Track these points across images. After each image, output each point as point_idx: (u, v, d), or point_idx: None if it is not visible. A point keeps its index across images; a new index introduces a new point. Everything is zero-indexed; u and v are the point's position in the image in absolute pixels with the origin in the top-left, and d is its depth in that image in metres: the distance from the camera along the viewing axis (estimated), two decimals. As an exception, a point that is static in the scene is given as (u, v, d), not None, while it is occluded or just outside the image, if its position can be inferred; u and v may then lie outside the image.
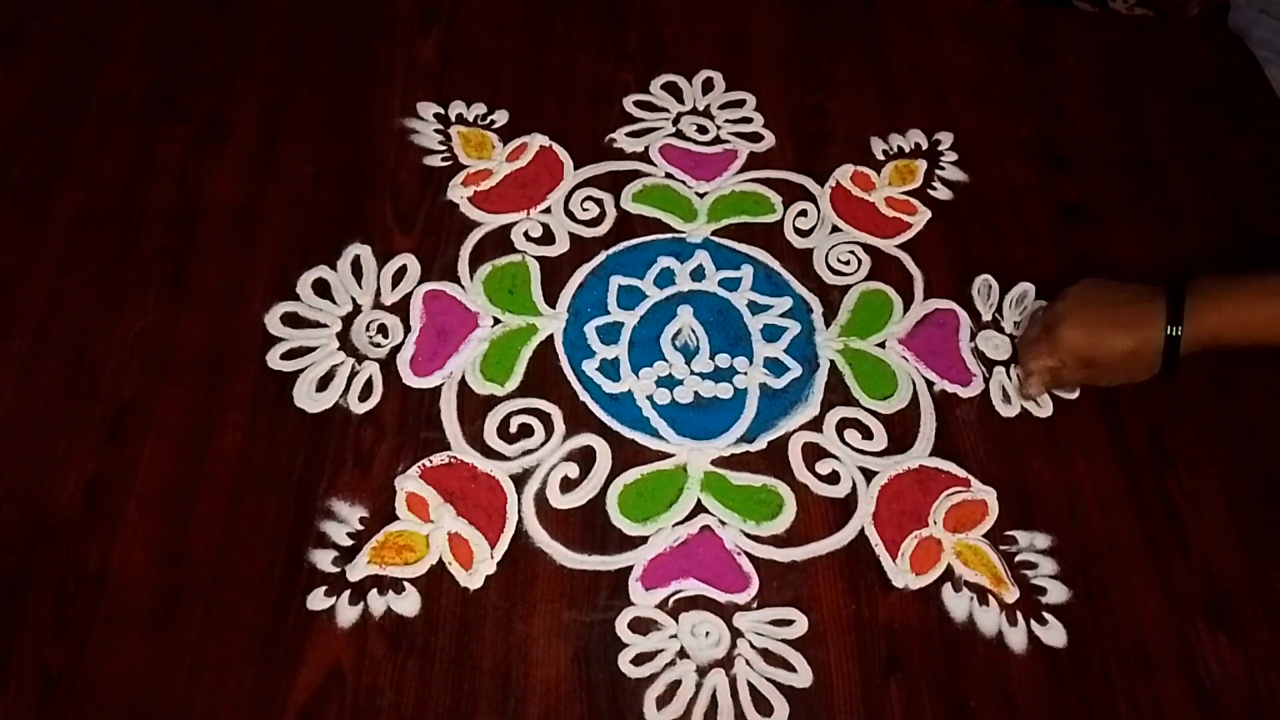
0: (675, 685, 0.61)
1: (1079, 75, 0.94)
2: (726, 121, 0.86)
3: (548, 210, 0.80)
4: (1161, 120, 0.91)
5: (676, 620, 0.63)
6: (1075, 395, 0.73)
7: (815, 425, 0.71)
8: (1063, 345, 0.69)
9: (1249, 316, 0.66)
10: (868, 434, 0.71)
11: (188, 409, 0.68)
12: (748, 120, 0.87)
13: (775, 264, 0.79)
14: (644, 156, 0.83)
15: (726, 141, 0.85)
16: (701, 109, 0.87)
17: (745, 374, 0.73)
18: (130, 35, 0.86)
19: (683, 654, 0.62)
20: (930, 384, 0.74)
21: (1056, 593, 0.66)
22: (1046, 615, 0.65)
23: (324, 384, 0.70)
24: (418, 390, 0.70)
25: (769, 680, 0.61)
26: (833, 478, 0.69)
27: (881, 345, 0.75)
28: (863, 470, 0.69)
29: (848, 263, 0.79)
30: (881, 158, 0.86)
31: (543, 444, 0.69)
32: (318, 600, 0.61)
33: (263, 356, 0.70)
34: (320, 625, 0.61)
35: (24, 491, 0.64)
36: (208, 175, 0.78)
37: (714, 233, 0.80)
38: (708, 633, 0.62)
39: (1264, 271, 0.67)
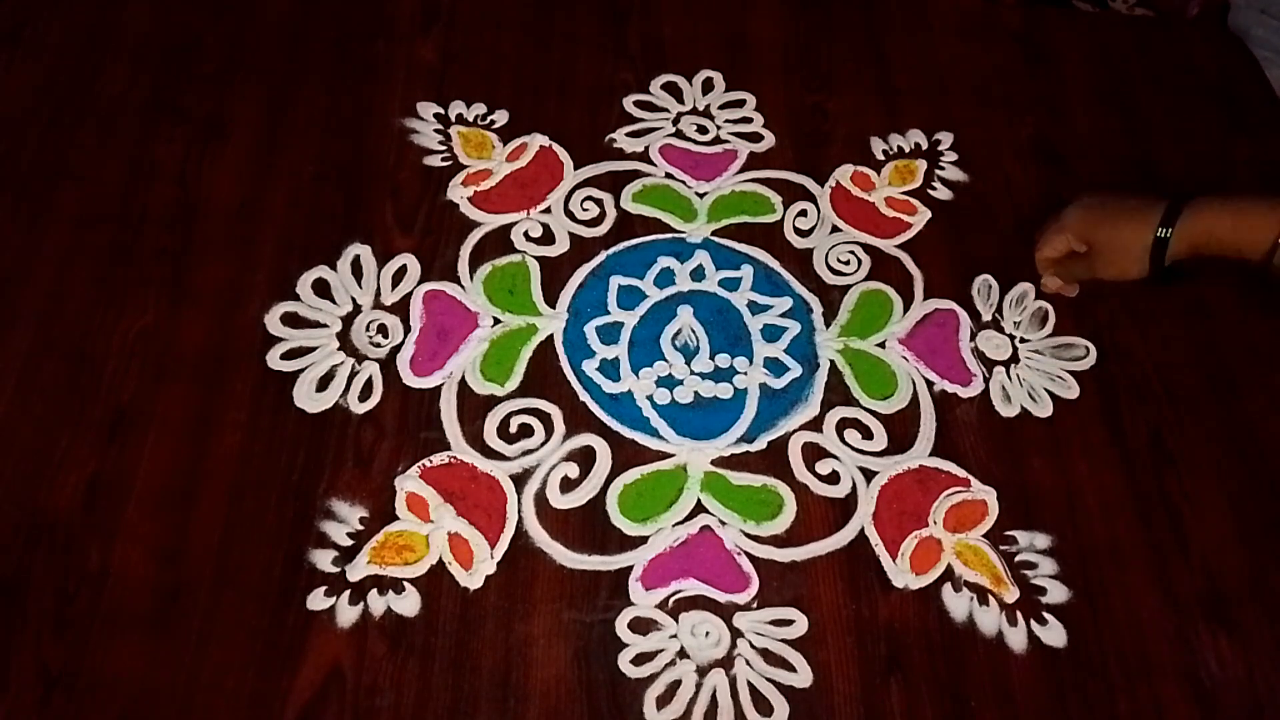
0: (675, 685, 0.61)
1: (1079, 75, 0.94)
2: (726, 121, 0.86)
3: (548, 210, 0.80)
4: (1161, 120, 0.91)
5: (676, 620, 0.63)
6: (1074, 292, 0.77)
7: (815, 425, 0.71)
8: (1067, 223, 0.76)
9: (1232, 231, 0.70)
10: (868, 434, 0.71)
11: (188, 409, 0.68)
12: (748, 120, 0.87)
13: (775, 264, 0.79)
14: (644, 156, 0.83)
15: (726, 141, 0.85)
16: (701, 109, 0.87)
17: (745, 374, 0.73)
18: (130, 35, 0.86)
19: (683, 654, 0.62)
20: (930, 384, 0.74)
21: (1056, 593, 0.66)
22: (1046, 615, 0.65)
23: (324, 384, 0.70)
24: (418, 390, 0.70)
25: (769, 680, 0.61)
26: (833, 478, 0.69)
27: (881, 345, 0.75)
28: (863, 470, 0.69)
29: (848, 263, 0.79)
30: (881, 158, 0.86)
31: (543, 444, 0.69)
32: (318, 600, 0.61)
33: (263, 356, 0.70)
34: (320, 625, 0.61)
35: (24, 491, 0.64)
36: (208, 175, 0.78)
37: (714, 233, 0.80)
38: (708, 633, 0.62)
39: (1264, 194, 0.71)
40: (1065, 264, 0.77)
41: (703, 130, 0.85)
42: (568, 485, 0.67)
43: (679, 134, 0.85)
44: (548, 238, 0.78)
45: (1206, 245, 0.71)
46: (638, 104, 0.86)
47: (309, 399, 0.69)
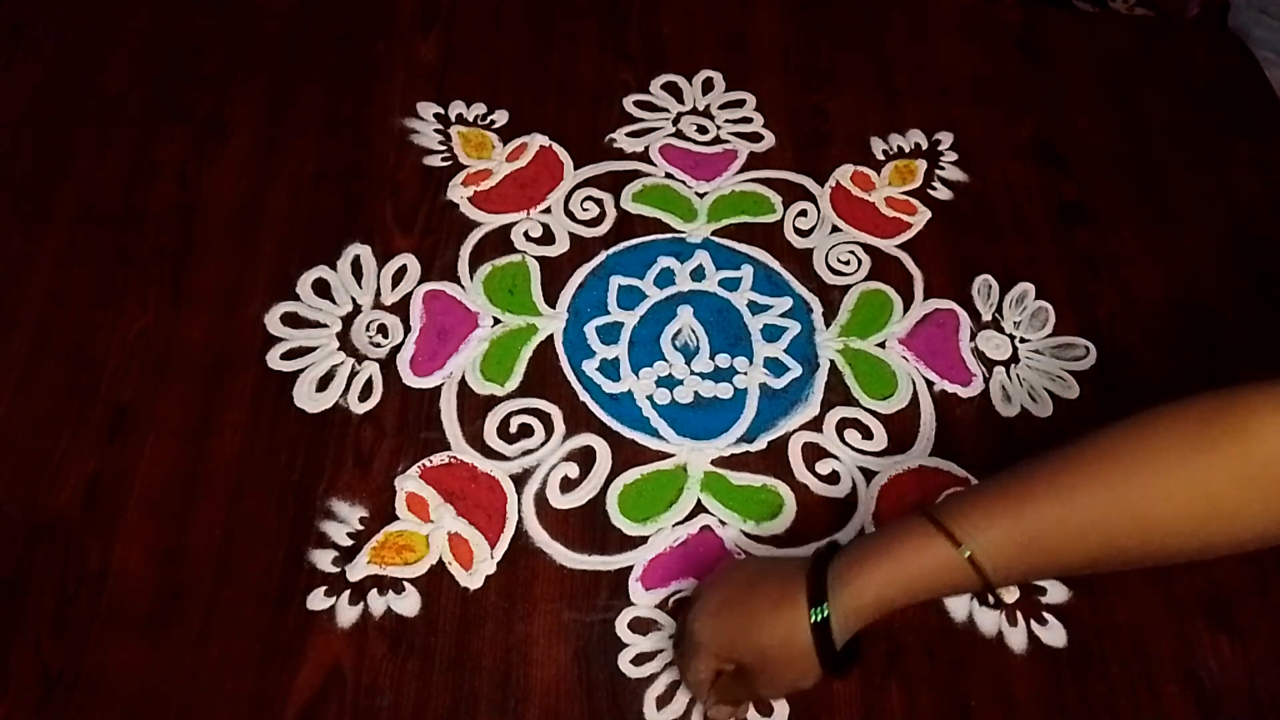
0: (675, 685, 0.61)
1: (1079, 75, 0.94)
2: (726, 121, 0.86)
3: (548, 210, 0.80)
4: (1161, 120, 0.91)
5: (676, 620, 0.63)
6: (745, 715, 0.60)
7: (815, 425, 0.71)
8: (702, 641, 0.54)
9: (911, 574, 0.51)
10: (868, 434, 0.71)
11: (188, 409, 0.68)
12: (748, 120, 0.87)
13: (775, 264, 0.79)
14: (644, 156, 0.83)
15: (726, 141, 0.85)
16: (701, 109, 0.87)
17: (745, 374, 0.73)
18: (130, 35, 0.86)
19: (683, 654, 0.62)
20: (930, 384, 0.74)
21: (1056, 593, 0.65)
22: (1046, 615, 0.65)
23: (324, 384, 0.70)
24: (418, 390, 0.70)
25: (769, 680, 0.61)
26: (833, 478, 0.69)
27: (881, 345, 0.75)
28: (863, 470, 0.69)
29: (848, 263, 0.79)
30: (881, 158, 0.86)
31: (543, 444, 0.69)
32: (318, 600, 0.61)
33: (263, 356, 0.70)
34: (320, 625, 0.61)
35: (24, 491, 0.64)
36: (208, 175, 0.78)
37: (714, 233, 0.80)
38: (708, 633, 0.62)
39: (904, 520, 0.53)
40: (722, 687, 0.56)
41: (703, 130, 0.85)
42: (568, 485, 0.67)
43: (679, 134, 0.85)
44: (548, 238, 0.78)
45: (879, 608, 0.51)
46: (638, 104, 0.86)
47: (309, 399, 0.69)
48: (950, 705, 0.61)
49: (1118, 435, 0.48)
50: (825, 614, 0.51)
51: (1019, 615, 0.65)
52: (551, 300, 0.75)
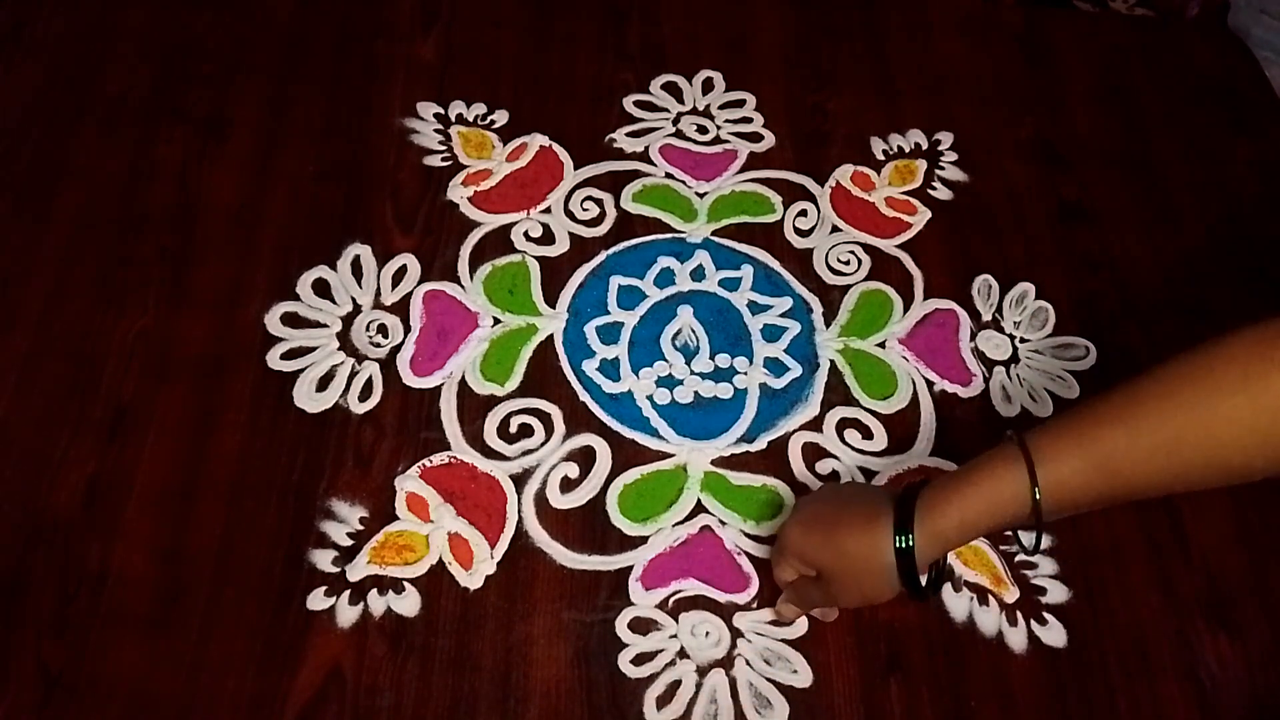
0: (675, 685, 0.61)
1: (1079, 75, 0.94)
2: (726, 121, 0.86)
3: (548, 210, 0.80)
4: (1161, 120, 0.91)
5: (676, 620, 0.63)
6: (834, 617, 0.63)
7: (815, 425, 0.71)
8: (789, 546, 0.59)
9: (988, 507, 0.53)
10: (868, 434, 0.71)
11: (188, 409, 0.68)
12: (748, 120, 0.87)
13: (775, 264, 0.79)
14: (644, 156, 0.83)
15: (726, 141, 0.85)
16: (701, 109, 0.87)
17: (745, 374, 0.73)
18: (130, 35, 0.86)
19: (683, 654, 0.62)
20: (930, 384, 0.74)
21: (1056, 593, 0.66)
22: (1046, 615, 0.65)
23: (324, 384, 0.70)
24: (418, 390, 0.70)
25: (769, 680, 0.61)
26: (833, 478, 0.69)
27: (881, 345, 0.75)
28: (863, 470, 0.69)
29: (848, 263, 0.79)
30: (881, 158, 0.86)
31: (543, 444, 0.69)
32: (318, 600, 0.61)
33: (263, 356, 0.70)
34: (320, 625, 0.61)
35: (24, 491, 0.64)
36: (208, 175, 0.78)
37: (714, 233, 0.80)
38: (708, 633, 0.62)
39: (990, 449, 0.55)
40: (800, 589, 0.61)
41: (703, 130, 0.85)
42: (568, 485, 0.67)
43: (679, 134, 0.85)
44: (548, 238, 0.78)
45: (962, 535, 0.55)
46: (638, 104, 0.86)
47: (309, 399, 0.69)
48: (950, 705, 0.61)
49: (1182, 362, 0.51)
50: (910, 542, 0.54)
51: (1019, 615, 0.65)
52: (551, 300, 0.75)
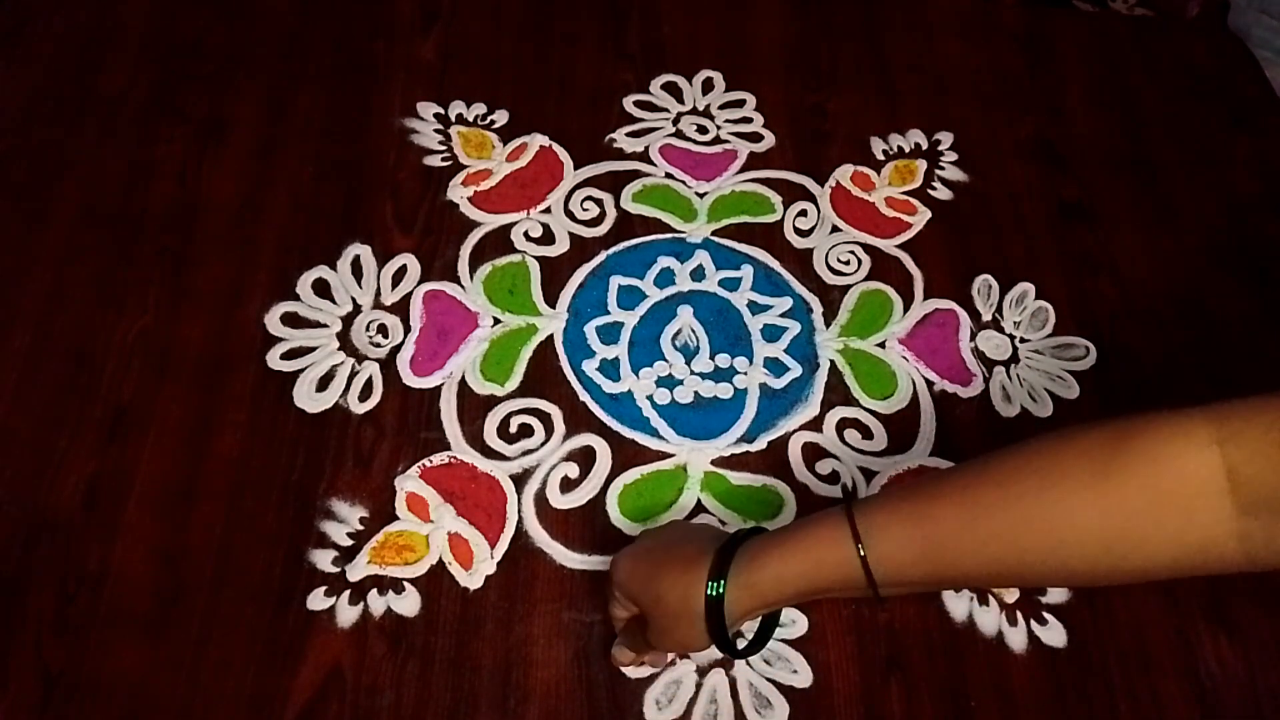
0: (675, 685, 0.61)
1: (1079, 75, 0.94)
2: (726, 121, 0.86)
3: (548, 210, 0.80)
4: (1161, 120, 0.91)
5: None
6: (663, 664, 0.61)
7: (815, 425, 0.71)
8: (617, 582, 0.56)
9: (810, 566, 0.50)
10: (868, 434, 0.71)
11: (188, 409, 0.68)
12: (748, 120, 0.87)
13: (775, 264, 0.79)
14: (644, 156, 0.83)
15: (726, 141, 0.85)
16: (701, 109, 0.87)
17: (745, 374, 0.73)
18: (130, 35, 0.86)
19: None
20: (930, 384, 0.74)
21: (1056, 593, 0.65)
22: (1046, 615, 0.65)
23: (324, 384, 0.70)
24: (418, 390, 0.70)
25: (769, 680, 0.61)
26: (833, 478, 0.69)
27: (881, 345, 0.75)
28: (863, 470, 0.69)
29: (848, 263, 0.79)
30: (881, 158, 0.86)
31: (543, 444, 0.69)
32: (318, 600, 0.61)
33: (263, 356, 0.70)
34: (320, 625, 0.61)
35: (24, 491, 0.64)
36: (208, 175, 0.78)
37: (714, 233, 0.80)
38: (708, 633, 0.62)
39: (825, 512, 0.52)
40: (629, 631, 0.58)
41: (703, 130, 0.85)
42: (568, 485, 0.67)
43: (679, 134, 0.85)
44: (548, 238, 0.78)
45: (779, 592, 0.51)
46: (638, 104, 0.86)
47: (309, 399, 0.69)
48: (950, 705, 0.61)
49: (1029, 452, 0.47)
50: (721, 590, 0.51)
51: (1019, 615, 0.65)
52: (551, 300, 0.75)
